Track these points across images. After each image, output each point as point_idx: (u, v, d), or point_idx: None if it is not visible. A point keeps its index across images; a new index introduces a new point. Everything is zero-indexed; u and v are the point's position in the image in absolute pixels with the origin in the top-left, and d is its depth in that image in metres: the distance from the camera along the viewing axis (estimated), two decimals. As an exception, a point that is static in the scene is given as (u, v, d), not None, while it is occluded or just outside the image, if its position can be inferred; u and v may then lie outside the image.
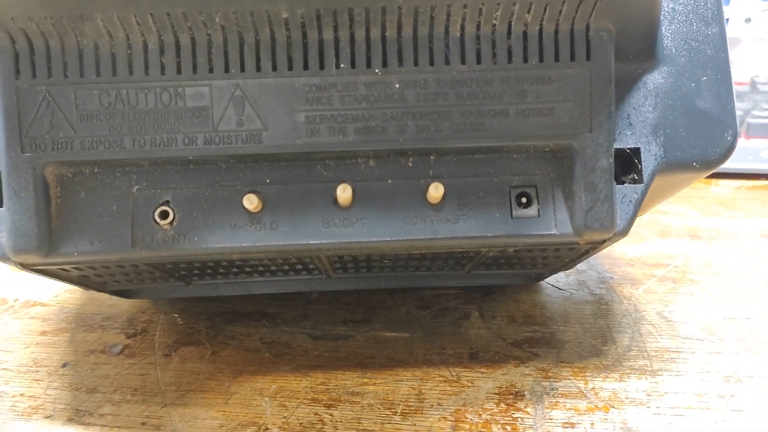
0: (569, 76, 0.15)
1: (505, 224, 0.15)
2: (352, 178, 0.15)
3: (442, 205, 0.15)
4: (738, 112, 0.35)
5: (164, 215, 0.15)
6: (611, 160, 0.15)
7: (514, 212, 0.15)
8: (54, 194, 0.15)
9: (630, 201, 0.16)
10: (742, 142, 0.36)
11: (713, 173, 0.35)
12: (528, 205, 0.16)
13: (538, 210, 0.16)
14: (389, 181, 0.15)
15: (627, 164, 0.16)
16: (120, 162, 0.15)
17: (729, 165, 0.34)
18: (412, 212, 0.15)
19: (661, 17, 0.16)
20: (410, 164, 0.15)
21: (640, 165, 0.16)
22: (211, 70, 0.14)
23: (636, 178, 0.16)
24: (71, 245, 0.15)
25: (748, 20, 0.44)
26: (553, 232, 0.15)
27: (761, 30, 0.44)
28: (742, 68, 0.45)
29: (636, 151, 0.16)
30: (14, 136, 0.14)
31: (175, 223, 0.15)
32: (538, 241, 0.16)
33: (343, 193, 0.15)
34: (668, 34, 0.17)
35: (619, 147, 0.16)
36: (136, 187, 0.15)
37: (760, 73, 0.44)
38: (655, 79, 0.17)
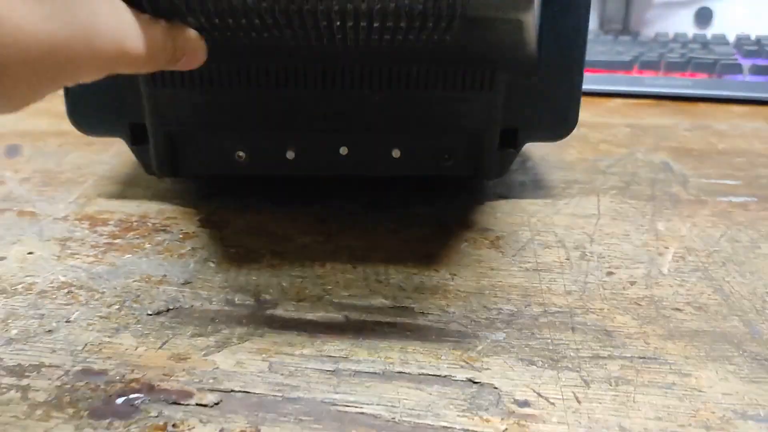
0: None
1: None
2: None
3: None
4: (632, 54, 0.52)
5: None
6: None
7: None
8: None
9: (509, 159, 0.31)
10: (634, 73, 0.53)
11: (615, 93, 0.52)
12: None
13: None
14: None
15: (511, 138, 0.31)
16: None
17: (622, 88, 0.51)
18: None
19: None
20: None
21: (517, 140, 0.31)
22: None
23: (514, 147, 0.31)
24: None
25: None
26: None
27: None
28: (647, 26, 0.62)
29: (515, 131, 0.31)
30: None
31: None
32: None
33: None
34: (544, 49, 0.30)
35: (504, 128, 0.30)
36: None
37: (654, 30, 0.61)
38: (530, 83, 0.30)
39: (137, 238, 0.28)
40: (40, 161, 0.36)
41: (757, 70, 0.51)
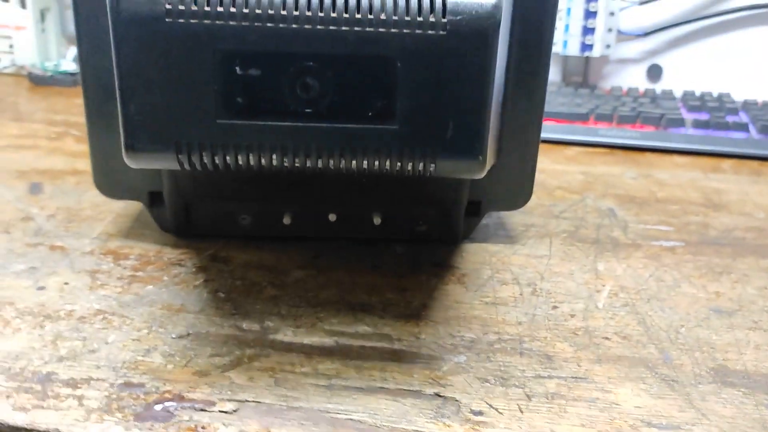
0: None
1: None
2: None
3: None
4: (589, 106, 0.59)
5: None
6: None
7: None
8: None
9: (473, 225, 0.37)
10: (590, 124, 0.59)
11: (571, 142, 0.58)
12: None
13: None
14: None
15: (476, 208, 0.37)
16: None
17: (579, 138, 0.57)
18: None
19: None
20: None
21: (480, 210, 0.37)
22: None
23: (477, 216, 0.37)
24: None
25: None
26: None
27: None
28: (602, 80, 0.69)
29: (479, 202, 0.37)
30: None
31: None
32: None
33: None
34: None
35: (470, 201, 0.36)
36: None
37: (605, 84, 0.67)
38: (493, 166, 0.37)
39: (156, 271, 0.33)
40: (62, 199, 0.41)
41: (698, 125, 0.58)
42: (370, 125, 0.24)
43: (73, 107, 0.62)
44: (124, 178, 0.34)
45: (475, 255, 0.37)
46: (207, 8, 0.22)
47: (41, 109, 0.61)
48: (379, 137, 0.24)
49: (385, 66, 0.23)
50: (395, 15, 0.23)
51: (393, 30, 0.23)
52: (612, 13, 0.63)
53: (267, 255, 0.35)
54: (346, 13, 0.23)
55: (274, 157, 0.24)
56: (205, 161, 0.24)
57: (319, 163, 0.24)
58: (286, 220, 0.36)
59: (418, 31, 0.23)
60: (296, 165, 0.24)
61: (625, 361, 0.28)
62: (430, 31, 0.23)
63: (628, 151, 0.57)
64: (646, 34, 0.65)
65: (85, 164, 0.47)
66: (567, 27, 0.64)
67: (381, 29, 0.23)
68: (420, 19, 0.23)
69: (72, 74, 0.69)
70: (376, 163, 0.24)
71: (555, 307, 0.32)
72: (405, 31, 0.23)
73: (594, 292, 0.33)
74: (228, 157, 0.24)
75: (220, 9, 0.22)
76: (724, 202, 0.46)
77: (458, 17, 0.23)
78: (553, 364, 0.27)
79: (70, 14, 0.75)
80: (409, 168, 0.24)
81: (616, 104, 0.61)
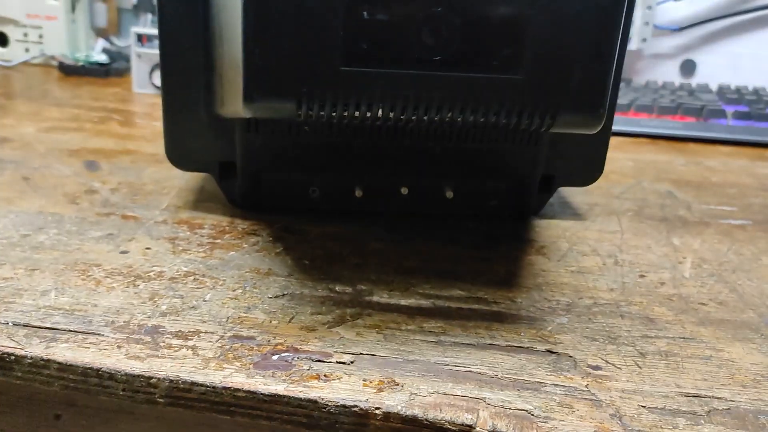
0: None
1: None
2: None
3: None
4: (629, 98, 0.59)
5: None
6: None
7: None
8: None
9: (544, 201, 0.37)
10: (630, 115, 0.59)
11: (615, 133, 0.58)
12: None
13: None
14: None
15: (548, 183, 0.37)
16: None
17: (621, 128, 0.57)
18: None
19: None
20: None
21: (552, 186, 0.37)
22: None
23: (549, 192, 0.37)
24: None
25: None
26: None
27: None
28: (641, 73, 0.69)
29: (552, 177, 0.37)
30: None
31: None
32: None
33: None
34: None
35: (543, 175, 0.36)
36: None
37: (645, 78, 0.68)
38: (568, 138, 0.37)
39: (234, 239, 0.32)
40: (122, 174, 0.40)
41: (739, 116, 0.58)
42: (496, 74, 0.23)
43: (110, 95, 0.62)
44: (197, 149, 0.34)
45: (548, 230, 0.36)
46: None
47: (77, 96, 0.61)
48: (505, 87, 0.23)
49: (514, 14, 0.23)
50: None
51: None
52: (649, 7, 0.63)
53: (341, 227, 0.35)
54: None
55: (396, 107, 0.24)
56: (326, 111, 0.23)
57: (444, 115, 0.24)
58: (358, 193, 0.35)
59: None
60: (420, 116, 0.24)
61: (728, 324, 0.28)
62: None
63: (671, 141, 0.57)
64: (681, 28, 0.65)
65: (136, 145, 0.46)
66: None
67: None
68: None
69: (103, 65, 0.69)
70: (501, 114, 0.24)
71: (642, 276, 0.31)
72: (538, -18, 0.22)
73: (677, 264, 0.33)
74: (350, 108, 0.23)
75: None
76: (780, 186, 0.46)
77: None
78: (656, 325, 0.27)
79: (98, 8, 0.75)
80: (532, 120, 0.24)
81: (655, 96, 0.61)
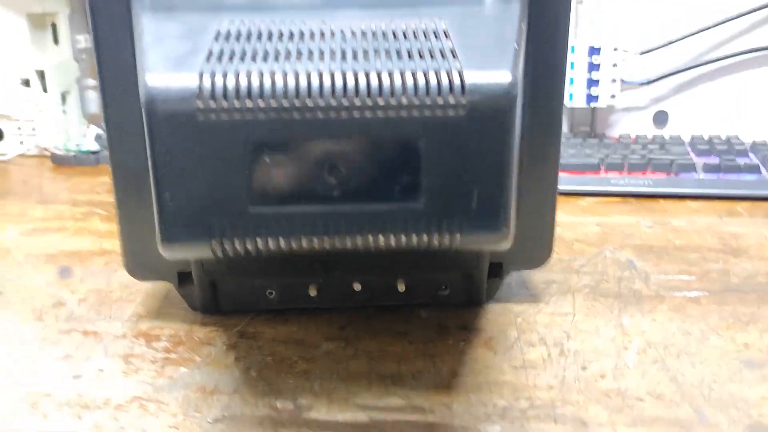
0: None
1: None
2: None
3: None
4: (599, 156, 0.59)
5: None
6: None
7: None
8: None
9: (496, 287, 0.38)
10: (601, 174, 0.60)
11: (583, 193, 0.59)
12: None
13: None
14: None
15: (497, 269, 0.37)
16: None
17: (591, 188, 0.58)
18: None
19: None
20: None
21: (502, 271, 0.37)
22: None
23: (500, 277, 0.38)
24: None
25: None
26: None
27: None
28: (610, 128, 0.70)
29: (501, 264, 0.37)
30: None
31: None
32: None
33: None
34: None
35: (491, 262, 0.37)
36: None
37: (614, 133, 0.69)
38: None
39: (188, 352, 0.34)
40: (92, 281, 0.42)
41: (708, 168, 0.58)
42: (396, 205, 0.24)
43: (97, 186, 0.64)
44: (154, 260, 0.35)
45: (500, 316, 0.37)
46: (237, 104, 0.23)
47: (65, 189, 0.63)
48: (406, 216, 0.25)
49: (409, 148, 0.24)
50: (417, 98, 0.24)
51: (415, 113, 0.24)
52: (615, 65, 0.64)
53: (294, 328, 0.36)
54: (369, 99, 0.24)
55: (304, 240, 0.25)
56: (238, 249, 0.25)
57: (348, 244, 0.25)
58: (312, 292, 0.36)
59: (439, 113, 0.24)
60: (326, 246, 0.25)
61: (660, 423, 0.28)
62: (450, 112, 0.24)
63: (641, 198, 0.57)
64: (650, 82, 0.66)
65: (112, 244, 0.48)
66: (572, 80, 0.65)
67: (403, 113, 0.24)
68: (440, 101, 0.24)
69: (93, 153, 0.71)
70: (404, 240, 0.25)
71: (584, 368, 0.32)
72: (427, 113, 0.24)
73: (622, 349, 0.33)
74: (260, 244, 0.25)
75: (249, 104, 0.23)
76: (743, 246, 0.46)
77: (477, 97, 0.24)
78: (588, 430, 0.27)
79: (89, 95, 0.78)
80: (436, 243, 0.25)
81: (626, 152, 0.62)
